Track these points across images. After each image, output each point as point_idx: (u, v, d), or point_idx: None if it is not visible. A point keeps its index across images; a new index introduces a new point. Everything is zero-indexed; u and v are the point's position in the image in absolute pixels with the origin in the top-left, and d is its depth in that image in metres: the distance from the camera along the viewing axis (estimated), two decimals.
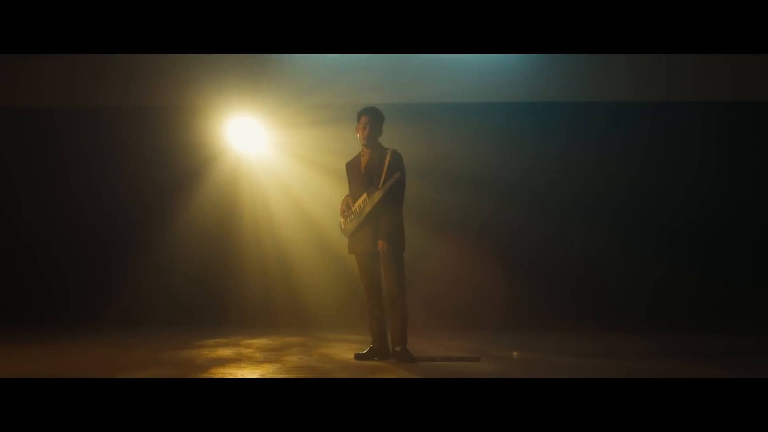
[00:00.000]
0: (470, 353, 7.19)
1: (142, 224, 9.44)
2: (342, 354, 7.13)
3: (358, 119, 6.85)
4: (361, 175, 6.84)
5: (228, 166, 9.47)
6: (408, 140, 8.04)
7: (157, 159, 9.36)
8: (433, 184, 8.84)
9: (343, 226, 6.92)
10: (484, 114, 9.06)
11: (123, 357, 6.91)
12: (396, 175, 6.57)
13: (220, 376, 5.84)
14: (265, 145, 9.44)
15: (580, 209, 9.15)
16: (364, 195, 6.75)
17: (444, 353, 7.26)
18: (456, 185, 9.05)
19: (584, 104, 9.04)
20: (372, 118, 6.80)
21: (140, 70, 9.15)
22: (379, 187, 6.65)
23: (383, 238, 6.69)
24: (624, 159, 9.09)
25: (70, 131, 9.47)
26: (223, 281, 9.42)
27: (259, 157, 9.50)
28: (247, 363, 6.56)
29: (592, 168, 9.10)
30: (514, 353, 7.25)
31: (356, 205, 6.80)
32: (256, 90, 9.16)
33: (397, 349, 6.76)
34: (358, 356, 6.87)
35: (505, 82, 8.85)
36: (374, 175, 6.73)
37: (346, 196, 6.95)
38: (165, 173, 9.34)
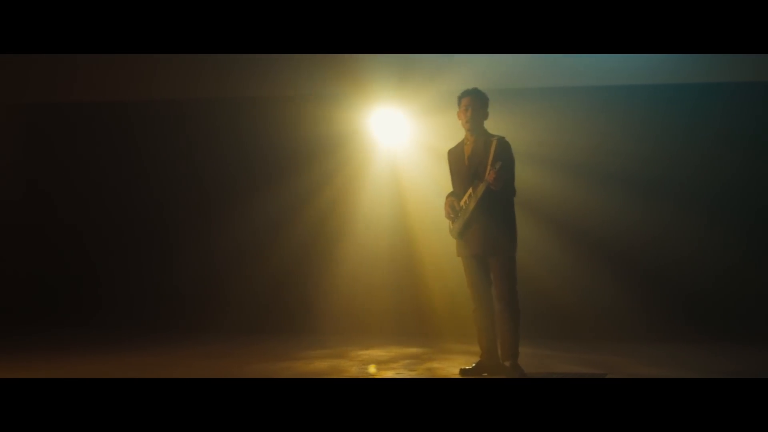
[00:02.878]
0: (595, 368, 6.20)
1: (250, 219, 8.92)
2: (452, 369, 6.38)
3: (459, 103, 6.13)
4: (465, 166, 6.10)
5: (355, 159, 8.84)
6: (532, 127, 7.15)
7: (271, 150, 8.90)
8: (555, 176, 7.88)
9: (450, 227, 6.18)
10: (624, 98, 7.95)
11: (210, 368, 6.49)
12: (497, 165, 5.73)
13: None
14: (398, 135, 8.74)
15: (724, 212, 7.95)
16: (470, 190, 5.99)
17: (568, 368, 6.31)
18: (582, 178, 8.00)
19: (743, 85, 7.75)
20: (474, 99, 6.07)
21: (266, 63, 8.64)
22: (484, 179, 5.85)
23: (491, 237, 5.89)
24: None
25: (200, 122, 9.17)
26: (346, 284, 8.71)
27: (391, 149, 8.80)
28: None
29: (739, 164, 7.87)
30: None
31: (462, 202, 6.05)
32: (385, 78, 8.48)
33: (507, 363, 5.93)
34: (463, 372, 6.10)
35: (646, 61, 7.66)
36: (480, 167, 5.96)
37: (449, 195, 6.20)
38: (280, 165, 8.88)
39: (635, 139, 7.99)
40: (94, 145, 9.27)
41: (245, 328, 8.69)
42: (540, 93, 8.07)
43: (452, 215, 6.12)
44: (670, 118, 8.00)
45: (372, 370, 6.38)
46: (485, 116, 6.11)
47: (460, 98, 6.12)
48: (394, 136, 8.75)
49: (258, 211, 8.83)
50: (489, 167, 5.84)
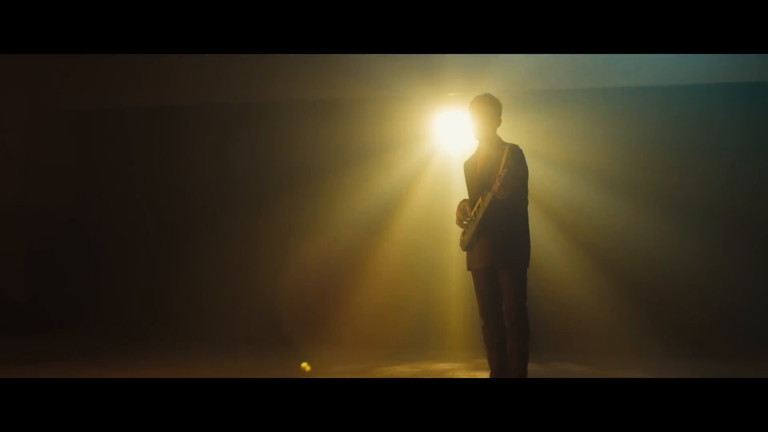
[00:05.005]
0: None
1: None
2: None
3: (469, 110, 5.83)
4: (477, 176, 5.81)
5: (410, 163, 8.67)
6: (565, 131, 6.83)
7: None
8: (579, 184, 7.48)
9: (461, 239, 5.93)
10: (665, 99, 7.55)
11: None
12: (503, 172, 5.42)
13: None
14: (461, 139, 8.46)
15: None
16: (480, 200, 5.72)
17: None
18: (604, 186, 7.59)
19: None
20: (482, 107, 5.76)
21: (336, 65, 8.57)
22: (491, 189, 5.58)
23: (500, 251, 5.61)
24: None
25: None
26: (381, 295, 8.54)
27: (449, 152, 8.55)
28: None
29: None
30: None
31: (472, 212, 5.78)
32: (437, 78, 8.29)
33: None
34: None
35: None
36: (490, 177, 5.65)
37: (462, 201, 5.94)
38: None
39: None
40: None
41: (259, 338, 8.57)
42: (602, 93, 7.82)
43: (464, 222, 5.87)
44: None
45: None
46: (497, 124, 5.80)
47: (470, 105, 5.85)
48: (457, 139, 8.45)
49: (285, 217, 8.81)
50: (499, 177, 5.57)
